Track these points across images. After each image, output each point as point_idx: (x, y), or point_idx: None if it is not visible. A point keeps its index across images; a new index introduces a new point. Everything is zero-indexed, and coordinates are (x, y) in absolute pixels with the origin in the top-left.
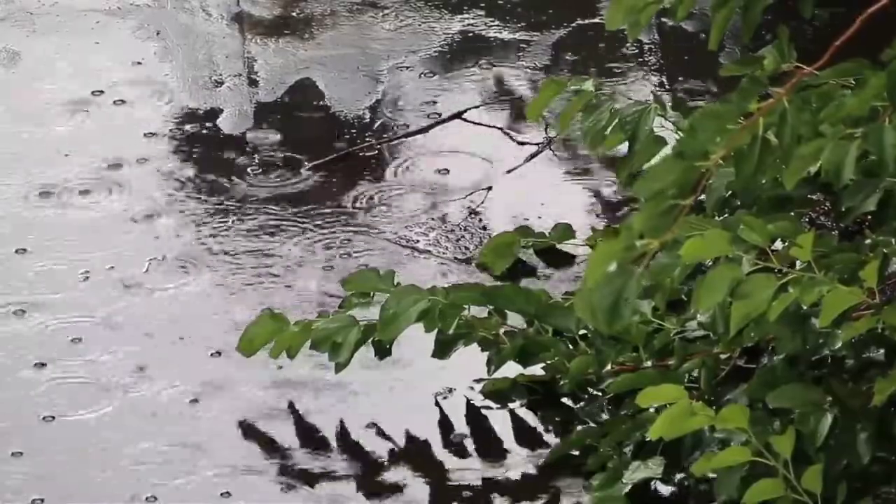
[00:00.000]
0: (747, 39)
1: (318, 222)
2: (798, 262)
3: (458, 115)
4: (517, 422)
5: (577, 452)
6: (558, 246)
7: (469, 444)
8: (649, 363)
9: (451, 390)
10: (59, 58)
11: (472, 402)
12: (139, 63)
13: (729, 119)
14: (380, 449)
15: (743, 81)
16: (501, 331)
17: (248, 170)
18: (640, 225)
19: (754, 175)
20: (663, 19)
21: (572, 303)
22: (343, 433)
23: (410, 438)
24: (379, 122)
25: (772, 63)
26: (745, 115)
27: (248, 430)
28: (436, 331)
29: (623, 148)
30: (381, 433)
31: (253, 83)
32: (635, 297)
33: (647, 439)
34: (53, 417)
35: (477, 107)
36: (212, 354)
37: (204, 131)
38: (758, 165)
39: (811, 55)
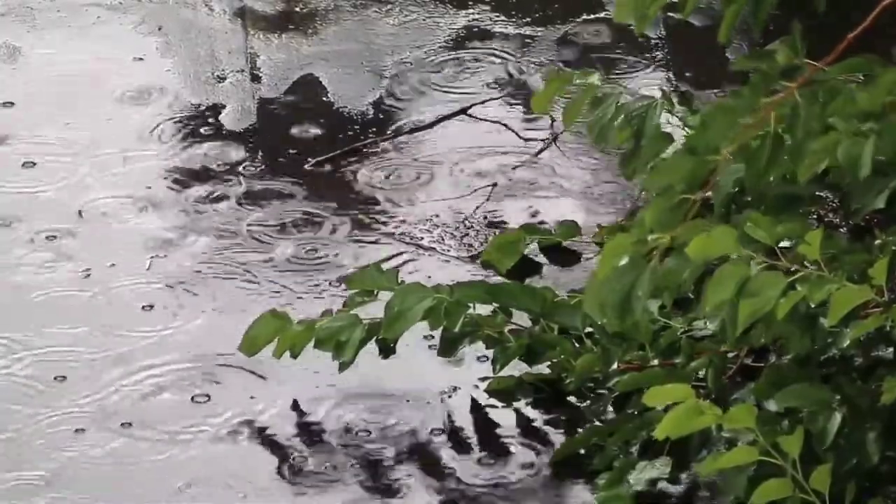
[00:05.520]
0: (758, 34)
1: (321, 219)
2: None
3: (463, 111)
4: (522, 420)
5: (582, 451)
6: (564, 243)
7: (474, 443)
8: (656, 362)
9: (455, 389)
10: (59, 53)
11: (477, 400)
12: (140, 59)
13: (740, 114)
14: (383, 448)
15: (754, 76)
16: (507, 329)
17: (251, 166)
18: (650, 220)
19: (765, 171)
20: (670, 13)
21: (578, 301)
22: (346, 432)
23: (414, 437)
24: (382, 119)
25: (784, 58)
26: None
27: (249, 428)
28: (441, 329)
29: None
30: (385, 432)
31: (256, 79)
32: (647, 293)
33: (654, 439)
34: None
35: (482, 102)
36: (220, 355)
37: (206, 127)
38: (769, 161)
39: (820, 51)
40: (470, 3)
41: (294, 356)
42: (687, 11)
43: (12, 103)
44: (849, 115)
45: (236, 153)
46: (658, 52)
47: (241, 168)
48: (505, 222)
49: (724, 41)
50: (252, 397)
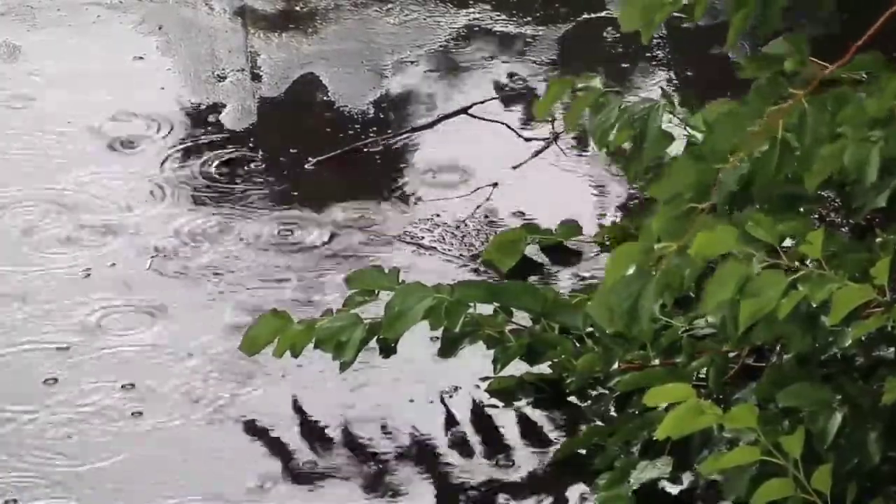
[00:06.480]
0: (764, 38)
1: (322, 218)
2: (808, 260)
3: (464, 111)
4: (523, 420)
5: (583, 451)
6: (565, 243)
7: (475, 443)
8: (657, 361)
9: (456, 388)
10: (59, 53)
11: (477, 400)
12: (141, 58)
13: (747, 120)
14: (385, 447)
15: (761, 82)
16: (507, 328)
17: (252, 165)
18: (657, 228)
19: (774, 177)
20: (672, 13)
21: (579, 300)
22: (347, 431)
23: (415, 437)
24: (383, 118)
25: (791, 63)
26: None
27: (250, 428)
28: (441, 329)
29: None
30: (386, 431)
31: (256, 78)
32: (654, 301)
33: (655, 438)
34: None
35: (483, 102)
36: (218, 352)
37: (207, 127)
38: (777, 167)
39: (823, 50)
40: (470, 2)
41: (295, 356)
42: (697, 16)
43: (21, 100)
44: (857, 122)
45: (237, 152)
46: (659, 52)
47: (241, 167)
48: (506, 222)
49: (731, 47)
50: (253, 394)
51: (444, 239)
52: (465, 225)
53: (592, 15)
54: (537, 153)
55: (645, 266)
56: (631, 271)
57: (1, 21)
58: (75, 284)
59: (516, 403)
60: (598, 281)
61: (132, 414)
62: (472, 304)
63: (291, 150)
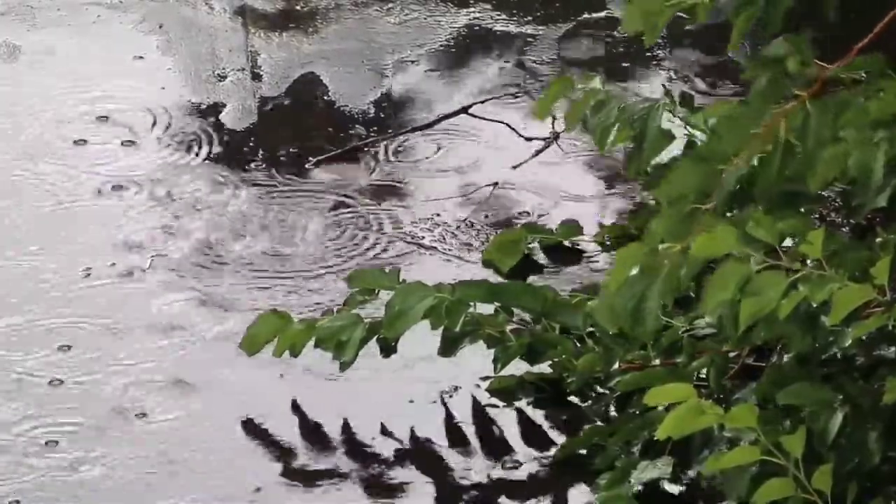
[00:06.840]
0: (770, 38)
1: (322, 218)
2: (809, 260)
3: (464, 111)
4: (524, 420)
5: (584, 451)
6: (565, 243)
7: (475, 443)
8: (657, 361)
9: (456, 388)
10: (59, 52)
11: (478, 400)
12: (141, 57)
13: (749, 122)
14: (385, 447)
15: (762, 83)
16: (508, 328)
17: (252, 165)
18: (661, 230)
19: (777, 179)
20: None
21: (580, 300)
22: (347, 431)
23: (416, 437)
24: (383, 118)
25: (794, 65)
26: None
27: (250, 428)
28: (441, 328)
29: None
30: (386, 431)
31: (256, 77)
32: (658, 302)
33: (656, 438)
34: None
35: (483, 101)
36: (216, 352)
37: (207, 126)
38: (780, 169)
39: (828, 54)
40: (471, 1)
41: (294, 355)
42: (700, 18)
43: (21, 99)
44: (860, 124)
45: (237, 152)
46: (660, 51)
47: (241, 167)
48: (506, 221)
49: (734, 48)
50: (253, 394)
51: (444, 238)
52: (466, 224)
53: (592, 15)
54: (538, 153)
55: (649, 267)
56: (635, 272)
57: (1, 21)
58: (76, 283)
59: (516, 403)
60: (599, 280)
61: (135, 415)
62: (472, 304)
63: (292, 150)
